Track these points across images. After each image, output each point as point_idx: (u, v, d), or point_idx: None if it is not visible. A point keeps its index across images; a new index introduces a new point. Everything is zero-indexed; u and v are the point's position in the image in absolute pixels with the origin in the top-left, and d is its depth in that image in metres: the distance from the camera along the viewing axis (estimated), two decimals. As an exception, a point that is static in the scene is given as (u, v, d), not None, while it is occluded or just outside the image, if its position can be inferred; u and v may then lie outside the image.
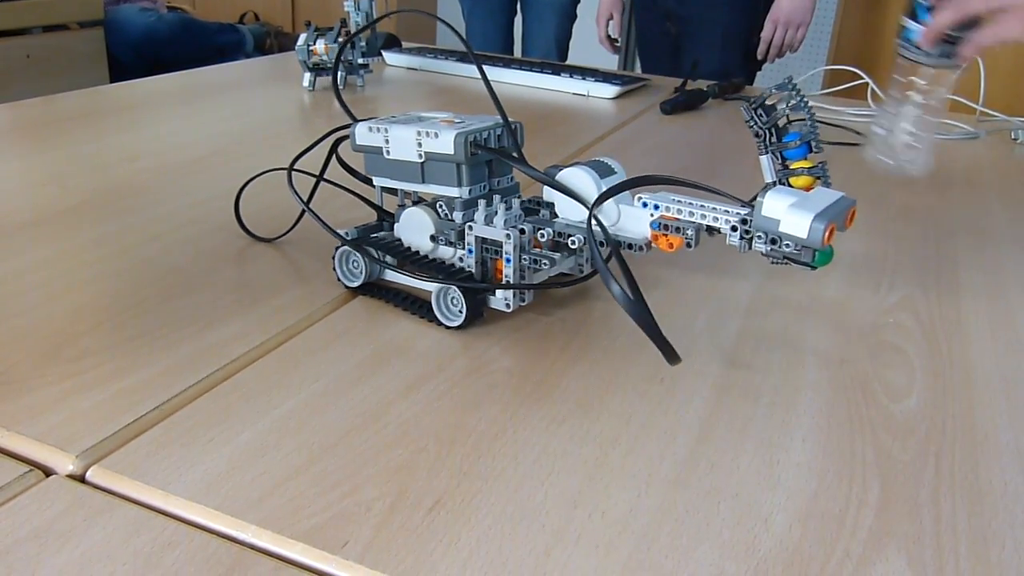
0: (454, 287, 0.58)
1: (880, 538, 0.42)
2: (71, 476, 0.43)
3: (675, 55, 1.93)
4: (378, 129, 0.60)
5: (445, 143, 0.57)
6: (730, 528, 0.42)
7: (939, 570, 0.40)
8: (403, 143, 0.59)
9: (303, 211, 0.71)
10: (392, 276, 0.65)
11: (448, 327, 0.59)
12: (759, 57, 1.85)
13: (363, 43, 1.34)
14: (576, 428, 0.49)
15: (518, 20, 2.64)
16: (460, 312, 0.59)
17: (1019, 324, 0.66)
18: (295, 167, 0.66)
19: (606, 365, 0.56)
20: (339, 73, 1.32)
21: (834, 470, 0.47)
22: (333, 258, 0.64)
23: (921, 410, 0.53)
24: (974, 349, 0.62)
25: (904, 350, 0.61)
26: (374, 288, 0.64)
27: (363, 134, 0.61)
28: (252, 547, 0.39)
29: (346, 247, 0.63)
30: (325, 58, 1.30)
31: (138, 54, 3.17)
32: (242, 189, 0.75)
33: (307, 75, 1.31)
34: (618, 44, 2.03)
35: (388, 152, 0.60)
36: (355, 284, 0.64)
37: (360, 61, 1.33)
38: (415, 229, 0.61)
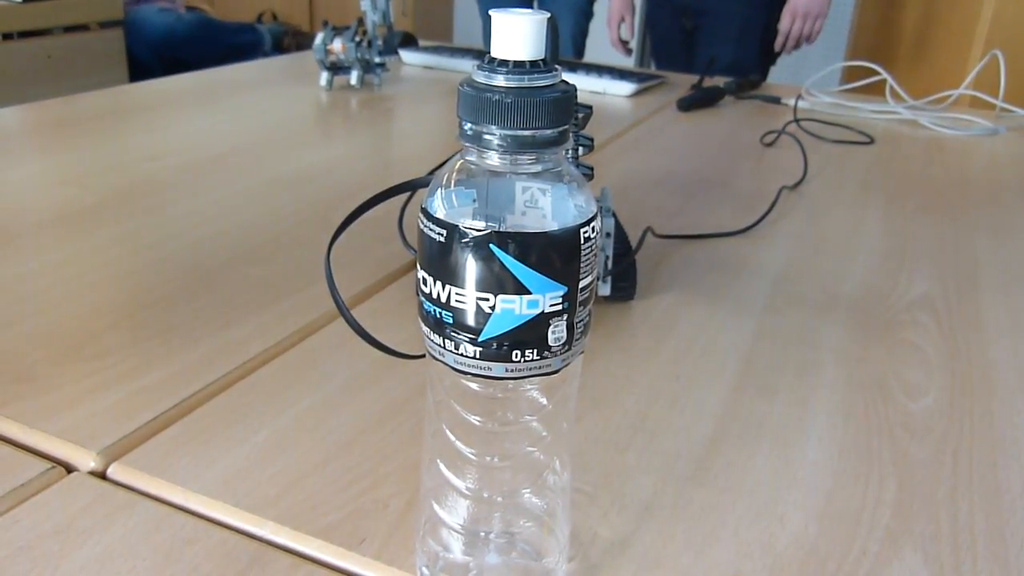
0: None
1: (897, 536, 0.42)
2: (92, 473, 0.44)
3: (690, 51, 1.92)
4: None
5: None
6: (746, 526, 0.42)
7: (956, 569, 0.40)
8: None
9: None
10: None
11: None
12: (776, 49, 1.84)
13: (380, 42, 1.34)
14: (592, 426, 0.49)
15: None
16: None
17: (1039, 322, 0.65)
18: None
19: (622, 363, 0.56)
20: (356, 72, 1.32)
21: (851, 468, 0.47)
22: None
23: (939, 408, 0.53)
24: (993, 347, 0.61)
25: (922, 348, 0.61)
26: None
27: None
28: (270, 543, 0.40)
29: None
30: (342, 57, 1.31)
31: (157, 54, 3.19)
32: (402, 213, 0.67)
33: (324, 74, 1.32)
34: (630, 47, 2.02)
35: None
36: None
37: (377, 60, 1.34)
38: None
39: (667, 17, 1.96)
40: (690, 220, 0.83)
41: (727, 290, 0.68)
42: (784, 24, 1.81)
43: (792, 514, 0.43)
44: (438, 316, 0.31)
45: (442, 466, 0.35)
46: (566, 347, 0.31)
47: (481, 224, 0.29)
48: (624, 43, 2.01)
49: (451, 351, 0.31)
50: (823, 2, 1.79)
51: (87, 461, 0.44)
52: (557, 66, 0.30)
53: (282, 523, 0.40)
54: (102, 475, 0.44)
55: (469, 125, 0.30)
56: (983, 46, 2.17)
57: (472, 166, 0.31)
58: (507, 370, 0.31)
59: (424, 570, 0.37)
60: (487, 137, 0.29)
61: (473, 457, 0.34)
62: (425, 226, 0.31)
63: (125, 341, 0.56)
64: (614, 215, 0.61)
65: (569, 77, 1.45)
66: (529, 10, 0.29)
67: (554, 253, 0.30)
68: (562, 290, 0.30)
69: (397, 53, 1.55)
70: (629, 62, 2.26)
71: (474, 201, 0.30)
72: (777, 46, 1.83)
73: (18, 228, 0.73)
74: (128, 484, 0.43)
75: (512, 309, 0.30)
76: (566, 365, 0.32)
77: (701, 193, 0.92)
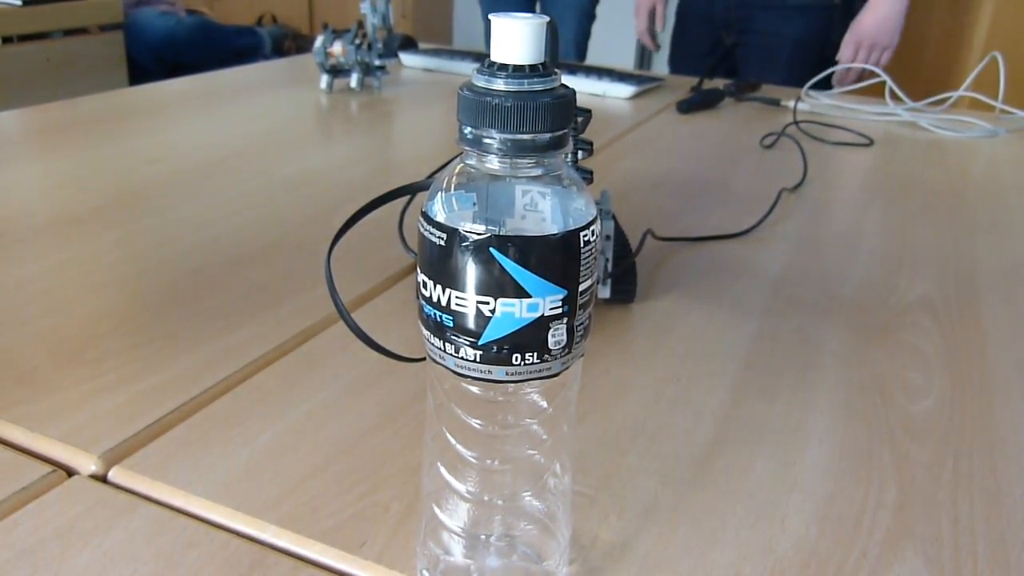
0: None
1: (898, 539, 0.42)
2: (93, 476, 0.44)
3: (722, 69, 1.68)
4: None
5: None
6: (747, 529, 0.42)
7: (957, 571, 0.40)
8: None
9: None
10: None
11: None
12: (833, 84, 1.52)
13: (380, 45, 1.34)
14: (592, 429, 0.49)
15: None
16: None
17: (1039, 323, 0.65)
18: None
19: (622, 366, 0.56)
20: (355, 75, 1.32)
21: (851, 471, 0.47)
22: None
23: (939, 411, 0.53)
24: (993, 348, 0.61)
25: (922, 350, 0.61)
26: None
27: None
28: (271, 547, 0.40)
29: None
30: (342, 60, 1.31)
31: (157, 57, 3.19)
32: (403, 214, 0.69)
33: (324, 77, 1.32)
34: (658, 42, 1.80)
35: None
36: None
37: (377, 63, 1.34)
38: None
39: (704, 34, 1.72)
40: (690, 222, 0.83)
41: (727, 292, 0.68)
42: (846, 55, 1.52)
43: (792, 517, 0.43)
44: (438, 319, 0.31)
45: (443, 469, 0.35)
46: (566, 350, 0.31)
47: (481, 228, 0.29)
48: (652, 36, 1.75)
49: (451, 354, 0.31)
50: (894, 31, 1.50)
51: (88, 464, 0.44)
52: (557, 70, 0.30)
53: (283, 526, 0.40)
54: (103, 479, 0.44)
55: (469, 129, 0.30)
56: (982, 48, 2.18)
57: (472, 170, 0.31)
58: (507, 373, 0.31)
59: (425, 573, 0.37)
60: (487, 141, 0.30)
61: (474, 460, 0.34)
62: (425, 230, 0.31)
63: (126, 344, 0.56)
64: (614, 218, 0.61)
65: (568, 80, 1.44)
66: (529, 14, 0.29)
67: (554, 256, 0.30)
68: (562, 293, 0.30)
69: (397, 56, 1.55)
70: (631, 64, 2.25)
71: (474, 205, 0.30)
72: (836, 81, 1.53)
73: (18, 232, 0.73)
74: (129, 487, 0.43)
75: (512, 313, 0.30)
76: (566, 368, 0.32)
77: (701, 195, 0.92)
